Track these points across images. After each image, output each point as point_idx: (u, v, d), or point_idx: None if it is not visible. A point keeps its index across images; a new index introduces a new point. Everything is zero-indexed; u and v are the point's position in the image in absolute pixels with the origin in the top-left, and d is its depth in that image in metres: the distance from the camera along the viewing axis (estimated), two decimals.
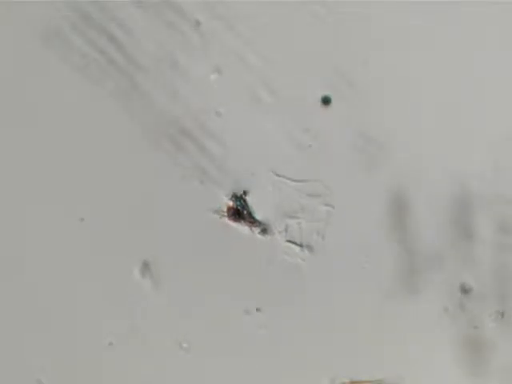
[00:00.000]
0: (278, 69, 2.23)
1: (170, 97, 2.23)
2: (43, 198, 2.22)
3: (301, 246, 2.21)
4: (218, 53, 2.23)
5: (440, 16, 2.21)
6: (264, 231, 2.21)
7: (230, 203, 2.21)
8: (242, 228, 2.21)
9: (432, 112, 2.21)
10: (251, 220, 2.21)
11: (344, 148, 2.22)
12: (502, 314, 2.19)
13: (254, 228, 2.21)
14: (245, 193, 2.21)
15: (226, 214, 2.21)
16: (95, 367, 2.20)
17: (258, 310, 2.20)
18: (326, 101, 2.20)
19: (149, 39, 2.22)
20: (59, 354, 2.20)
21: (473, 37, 2.21)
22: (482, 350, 2.20)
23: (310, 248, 2.21)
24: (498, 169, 2.21)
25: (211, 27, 2.22)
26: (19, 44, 2.22)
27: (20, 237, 2.21)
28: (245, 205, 2.21)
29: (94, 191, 2.21)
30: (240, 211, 2.21)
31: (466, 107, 2.21)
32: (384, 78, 2.21)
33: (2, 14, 2.22)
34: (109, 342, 2.19)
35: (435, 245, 2.21)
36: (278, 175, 2.21)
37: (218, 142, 2.22)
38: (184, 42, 2.23)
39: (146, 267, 2.20)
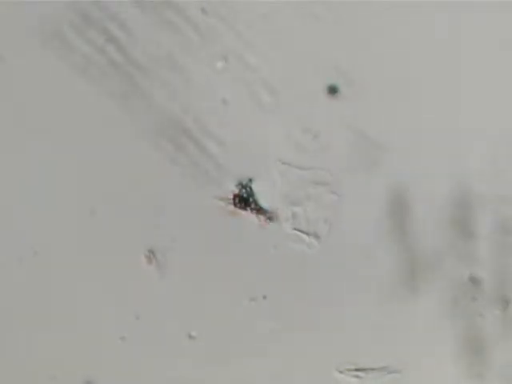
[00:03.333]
0: (277, 69, 2.23)
1: (170, 97, 2.23)
2: (45, 196, 2.22)
3: (307, 234, 2.21)
4: (218, 53, 2.23)
5: (441, 16, 2.21)
6: (270, 219, 2.21)
7: (236, 191, 2.21)
8: (248, 216, 2.21)
9: (432, 112, 2.21)
10: (257, 208, 2.21)
11: (344, 147, 2.23)
12: (506, 306, 2.20)
13: (260, 216, 2.21)
14: (250, 180, 2.21)
15: (231, 201, 2.21)
16: (105, 358, 2.21)
17: (264, 297, 2.20)
18: (332, 90, 2.19)
19: (149, 39, 2.22)
20: (68, 344, 2.21)
21: (473, 36, 2.21)
22: (483, 349, 2.21)
23: (316, 236, 2.21)
24: (498, 169, 2.21)
25: (211, 27, 2.22)
26: (19, 44, 2.22)
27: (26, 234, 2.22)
28: (251, 192, 2.21)
29: (95, 188, 2.22)
30: (246, 199, 2.21)
31: (466, 107, 2.21)
32: (384, 77, 2.21)
33: (2, 14, 2.22)
34: (115, 331, 2.20)
35: (435, 244, 2.21)
36: (283, 163, 2.21)
37: (219, 141, 2.22)
38: (184, 41, 2.23)
39: (152, 255, 2.20)
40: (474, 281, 2.20)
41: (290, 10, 2.22)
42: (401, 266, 2.21)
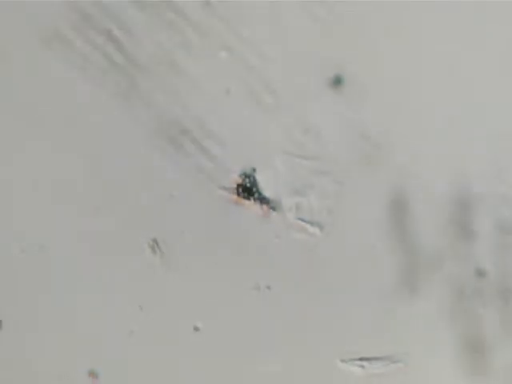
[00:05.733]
0: (277, 69, 2.23)
1: (170, 97, 2.23)
2: (48, 191, 2.22)
3: (310, 223, 2.21)
4: (217, 53, 2.23)
5: (440, 16, 2.21)
6: (273, 209, 2.21)
7: (239, 180, 2.21)
8: (251, 206, 2.21)
9: (432, 112, 2.21)
10: (260, 197, 2.21)
11: (344, 147, 2.23)
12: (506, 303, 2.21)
13: (263, 206, 2.21)
14: (254, 170, 2.21)
15: (235, 191, 2.21)
16: (110, 352, 2.21)
17: (268, 288, 2.20)
18: (337, 81, 2.19)
19: (149, 39, 2.22)
20: (72, 337, 2.21)
21: (473, 36, 2.21)
22: (482, 350, 2.21)
23: (319, 226, 2.21)
24: (498, 169, 2.21)
25: (211, 27, 2.23)
26: (19, 44, 2.22)
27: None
28: (254, 182, 2.21)
29: (98, 184, 2.22)
30: (249, 188, 2.21)
31: (466, 107, 2.21)
32: (384, 77, 2.21)
33: (2, 14, 2.22)
34: (120, 324, 2.20)
35: (435, 244, 2.21)
36: (286, 153, 2.21)
37: (220, 139, 2.22)
38: (184, 41, 2.23)
39: (155, 243, 2.21)
40: (480, 274, 2.20)
41: (290, 10, 2.22)
42: (401, 266, 2.21)
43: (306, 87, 2.23)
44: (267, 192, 2.21)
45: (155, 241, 2.21)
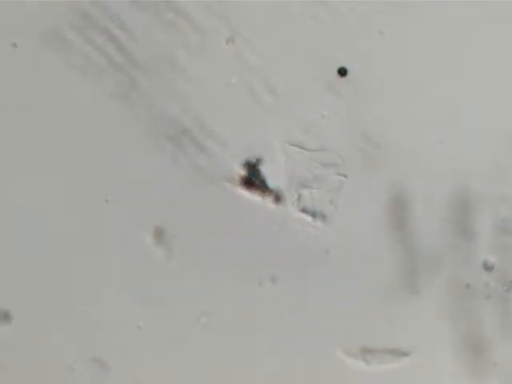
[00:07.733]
0: (277, 69, 2.23)
1: (170, 97, 2.23)
2: (47, 195, 2.23)
3: (313, 215, 2.21)
4: (217, 53, 2.23)
5: (441, 15, 2.21)
6: (276, 200, 2.21)
7: (243, 172, 2.21)
8: (254, 197, 2.21)
9: (432, 112, 2.22)
10: (264, 189, 2.21)
11: (343, 147, 2.23)
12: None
13: (266, 197, 2.21)
14: (258, 161, 2.21)
15: (238, 182, 2.21)
16: (118, 345, 2.22)
17: (272, 280, 2.20)
18: (342, 72, 2.19)
19: (149, 39, 2.22)
20: (79, 332, 2.22)
21: (474, 36, 2.21)
22: (483, 350, 2.21)
23: (322, 217, 2.21)
24: (498, 169, 2.21)
25: (211, 27, 2.23)
26: (19, 44, 2.22)
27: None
28: (257, 174, 2.21)
29: (97, 186, 2.22)
30: (253, 180, 2.21)
31: (466, 107, 2.21)
32: (384, 77, 2.22)
33: (2, 14, 2.22)
34: (126, 318, 2.21)
35: (435, 244, 2.21)
36: (291, 145, 2.21)
37: (219, 141, 2.22)
38: (184, 41, 2.23)
39: (159, 237, 2.21)
40: (488, 267, 2.20)
41: (290, 11, 2.22)
42: (401, 265, 2.21)
43: (305, 87, 2.23)
44: (271, 183, 2.22)
45: (160, 238, 2.22)
